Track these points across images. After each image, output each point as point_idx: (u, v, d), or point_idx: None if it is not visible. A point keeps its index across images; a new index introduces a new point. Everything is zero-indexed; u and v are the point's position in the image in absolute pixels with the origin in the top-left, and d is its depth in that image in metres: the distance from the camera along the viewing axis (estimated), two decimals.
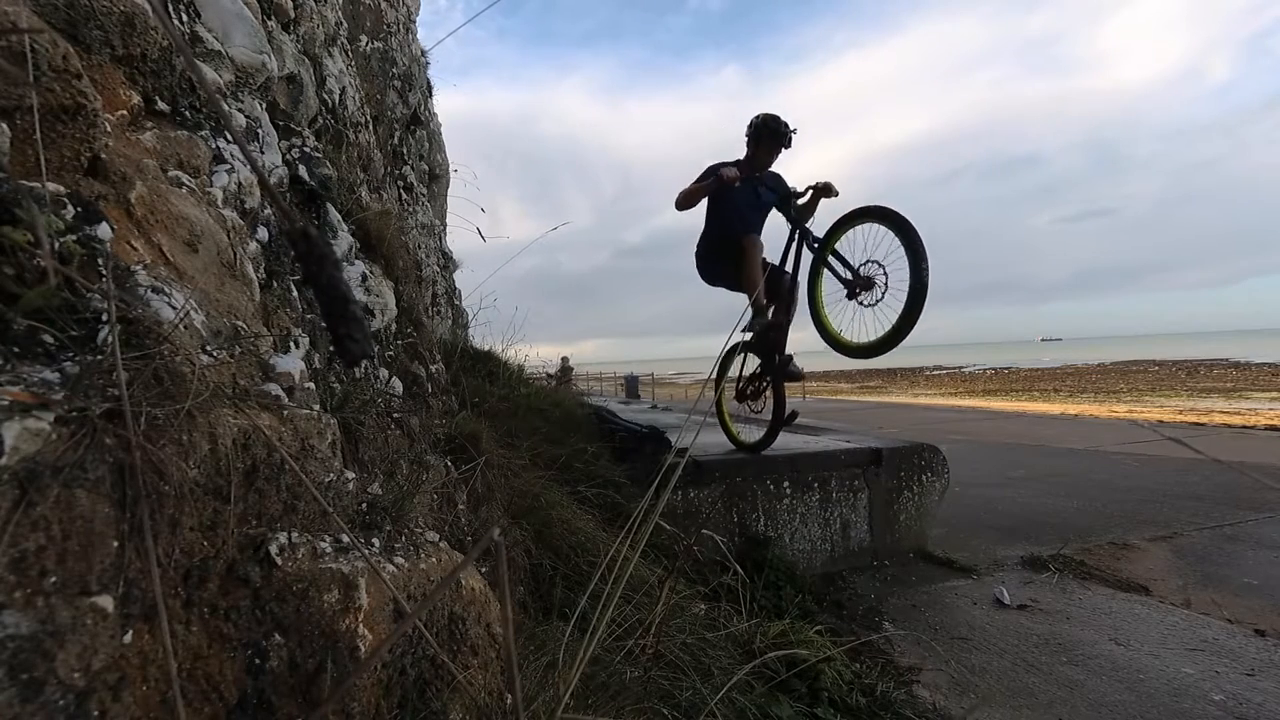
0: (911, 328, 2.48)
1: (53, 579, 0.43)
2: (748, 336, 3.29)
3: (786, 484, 3.19)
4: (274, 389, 0.77)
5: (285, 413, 0.74)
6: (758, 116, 3.09)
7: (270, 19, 1.67)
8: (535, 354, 4.55)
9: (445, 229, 5.63)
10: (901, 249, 2.48)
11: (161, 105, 0.99)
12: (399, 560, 0.76)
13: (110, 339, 0.52)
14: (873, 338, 2.63)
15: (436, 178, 5.41)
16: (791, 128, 3.05)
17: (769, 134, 3.05)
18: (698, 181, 3.12)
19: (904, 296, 2.45)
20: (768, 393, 3.40)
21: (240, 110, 1.28)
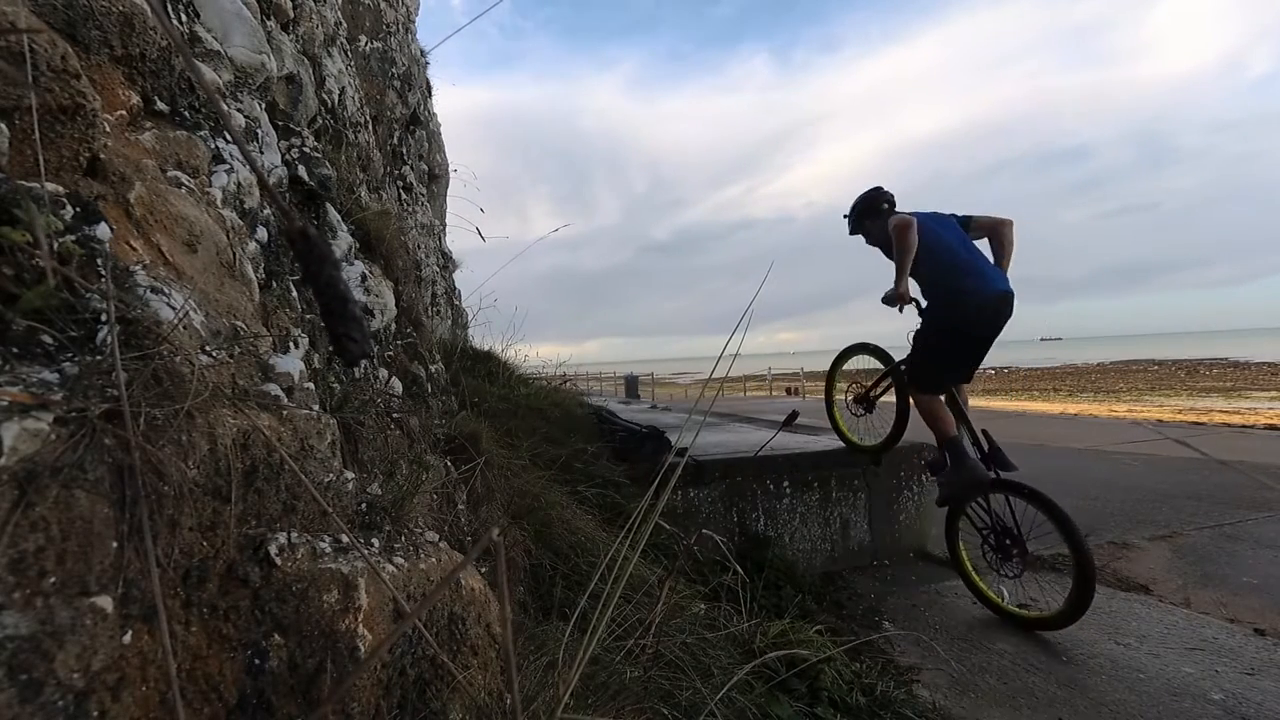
0: None
1: (52, 579, 0.43)
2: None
3: (786, 484, 3.19)
4: (273, 389, 0.77)
5: (285, 413, 0.73)
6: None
7: (269, 19, 1.67)
8: (536, 354, 4.55)
9: (445, 229, 5.62)
10: None
11: (161, 105, 0.99)
12: (399, 560, 0.76)
13: (109, 339, 0.52)
14: None
15: (436, 178, 5.41)
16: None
17: None
18: None
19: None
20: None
21: (239, 110, 1.28)
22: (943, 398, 2.79)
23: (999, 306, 2.63)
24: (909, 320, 2.94)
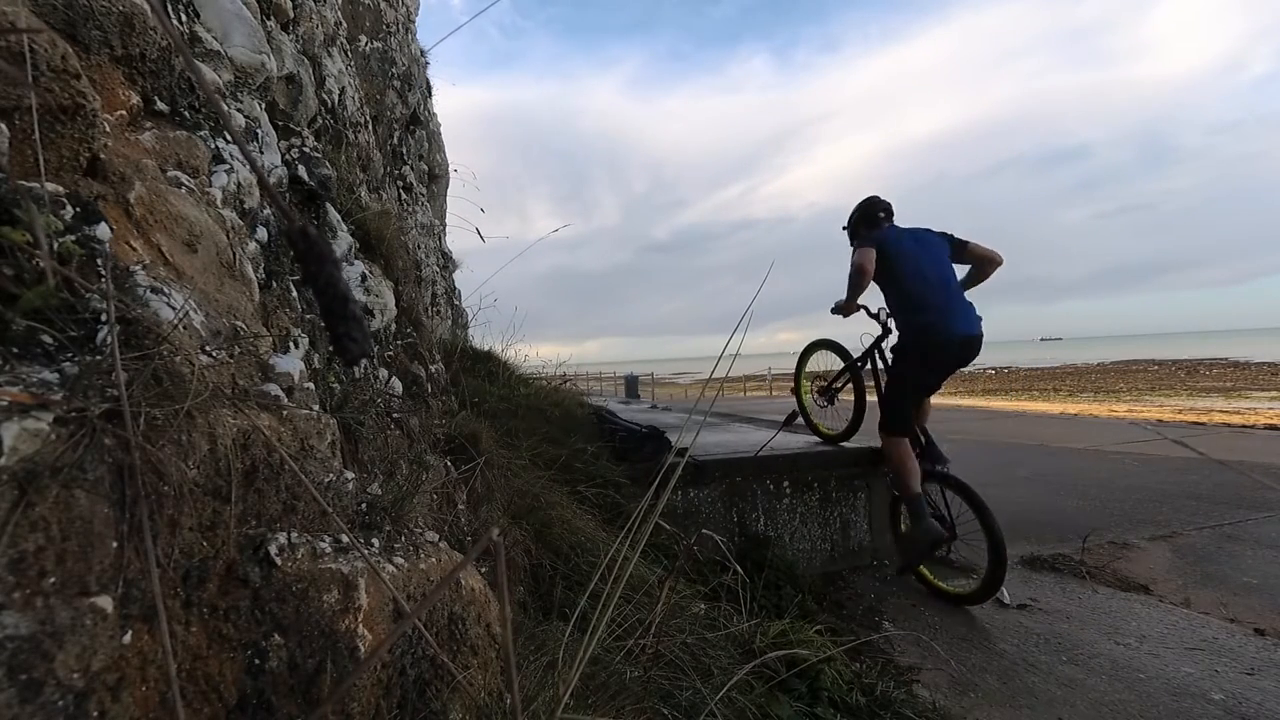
0: None
1: (52, 579, 0.43)
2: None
3: (786, 484, 3.19)
4: (273, 389, 0.77)
5: (285, 413, 0.73)
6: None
7: (269, 19, 1.67)
8: (536, 354, 4.55)
9: (445, 229, 5.62)
10: None
11: (161, 105, 0.99)
12: (399, 560, 0.76)
13: (109, 339, 0.52)
14: None
15: (436, 178, 5.41)
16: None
17: None
18: None
19: None
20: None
21: (239, 110, 1.28)
22: (908, 442, 2.91)
23: (964, 346, 2.78)
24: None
